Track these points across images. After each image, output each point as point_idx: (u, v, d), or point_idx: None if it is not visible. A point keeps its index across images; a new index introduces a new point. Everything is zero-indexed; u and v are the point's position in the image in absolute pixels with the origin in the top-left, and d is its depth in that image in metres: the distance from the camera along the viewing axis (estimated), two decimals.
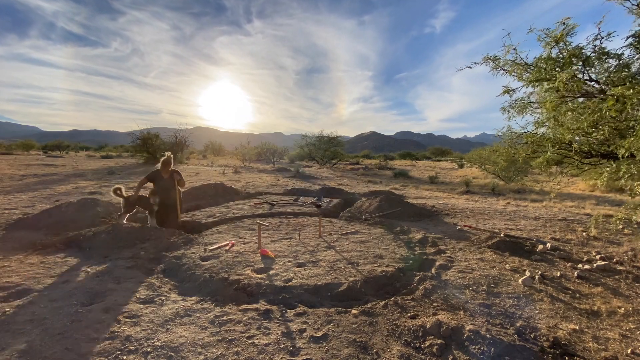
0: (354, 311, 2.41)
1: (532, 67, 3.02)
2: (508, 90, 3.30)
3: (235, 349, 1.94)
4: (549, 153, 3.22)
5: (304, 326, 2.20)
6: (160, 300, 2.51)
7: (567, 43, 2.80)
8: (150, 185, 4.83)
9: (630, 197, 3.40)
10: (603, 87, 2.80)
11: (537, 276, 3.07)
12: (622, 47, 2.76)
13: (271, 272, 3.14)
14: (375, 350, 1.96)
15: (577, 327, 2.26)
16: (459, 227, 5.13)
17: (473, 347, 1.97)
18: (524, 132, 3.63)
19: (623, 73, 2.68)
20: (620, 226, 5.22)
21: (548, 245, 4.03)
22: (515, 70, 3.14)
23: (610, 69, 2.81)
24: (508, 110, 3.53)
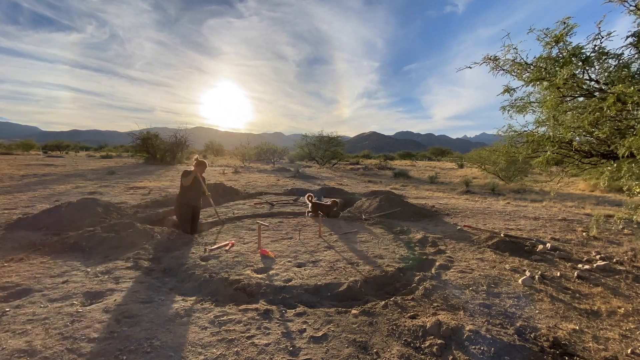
0: (354, 311, 2.41)
1: (532, 67, 3.02)
2: (508, 90, 3.30)
3: (235, 349, 1.94)
4: (549, 152, 3.22)
5: (304, 326, 2.20)
6: (160, 300, 2.51)
7: (567, 43, 2.80)
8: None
9: (629, 197, 3.39)
10: (603, 86, 2.80)
11: (537, 276, 3.07)
12: (621, 47, 2.76)
13: (271, 272, 3.14)
14: (375, 350, 1.96)
15: (577, 327, 2.25)
16: (459, 227, 5.12)
17: (473, 347, 1.97)
18: (524, 131, 3.63)
19: (623, 73, 2.67)
20: (621, 226, 5.22)
21: (548, 245, 4.03)
22: (515, 70, 3.14)
23: (610, 68, 2.81)
24: (508, 110, 3.53)
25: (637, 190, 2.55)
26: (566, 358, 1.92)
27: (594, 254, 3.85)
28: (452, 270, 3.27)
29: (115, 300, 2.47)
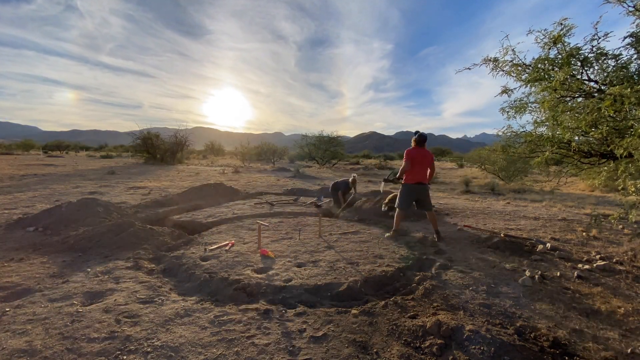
0: (354, 311, 2.41)
1: (531, 68, 3.02)
2: (506, 90, 3.30)
3: (235, 349, 1.94)
4: (547, 152, 3.23)
5: (304, 326, 2.20)
6: (160, 300, 2.51)
7: (565, 44, 2.81)
8: None
9: (623, 196, 3.40)
10: (601, 87, 2.81)
11: (537, 276, 3.08)
12: (619, 48, 2.76)
13: (271, 272, 3.14)
14: (375, 350, 1.97)
15: (577, 327, 2.26)
16: (459, 227, 5.13)
17: (473, 347, 1.97)
18: (523, 132, 3.63)
19: (621, 73, 2.68)
20: (620, 226, 5.22)
21: (548, 245, 4.03)
22: (514, 71, 3.14)
23: (609, 69, 2.81)
24: (507, 111, 3.54)
25: (632, 189, 2.55)
26: (566, 358, 1.93)
27: (594, 253, 3.85)
28: (452, 270, 3.27)
29: (115, 300, 2.48)
